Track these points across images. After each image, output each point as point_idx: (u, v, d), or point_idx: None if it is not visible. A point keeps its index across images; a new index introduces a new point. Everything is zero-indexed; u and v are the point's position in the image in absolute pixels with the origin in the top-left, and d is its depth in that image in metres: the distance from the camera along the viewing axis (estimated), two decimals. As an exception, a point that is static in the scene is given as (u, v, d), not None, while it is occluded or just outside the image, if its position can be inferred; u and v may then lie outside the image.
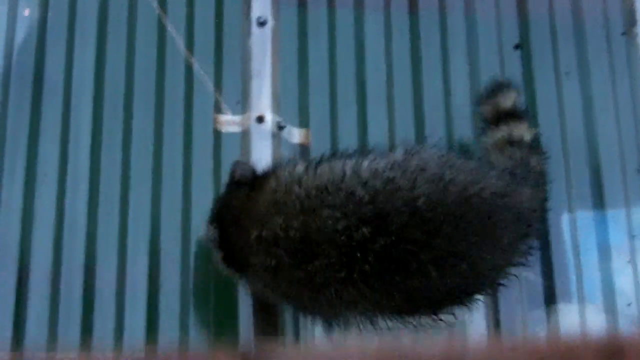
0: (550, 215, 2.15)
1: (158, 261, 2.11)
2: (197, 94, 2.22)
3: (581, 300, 2.13)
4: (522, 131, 2.11)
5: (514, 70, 2.29)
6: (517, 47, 2.32)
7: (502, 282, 1.95)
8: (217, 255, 1.97)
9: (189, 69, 2.23)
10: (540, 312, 2.12)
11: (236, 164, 2.02)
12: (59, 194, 2.15)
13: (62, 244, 2.12)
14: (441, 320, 1.91)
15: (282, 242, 1.80)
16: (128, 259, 2.11)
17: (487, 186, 1.85)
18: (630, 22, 2.35)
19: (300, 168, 1.88)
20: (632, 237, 2.19)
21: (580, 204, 2.20)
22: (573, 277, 2.14)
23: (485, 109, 2.17)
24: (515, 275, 1.96)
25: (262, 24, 2.25)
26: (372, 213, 1.76)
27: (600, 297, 2.13)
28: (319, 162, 1.90)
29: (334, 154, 1.98)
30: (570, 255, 2.16)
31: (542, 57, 2.32)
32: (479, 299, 1.96)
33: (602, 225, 2.19)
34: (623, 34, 2.35)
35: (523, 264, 1.97)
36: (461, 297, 1.89)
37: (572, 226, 2.18)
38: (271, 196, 1.86)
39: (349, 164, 1.84)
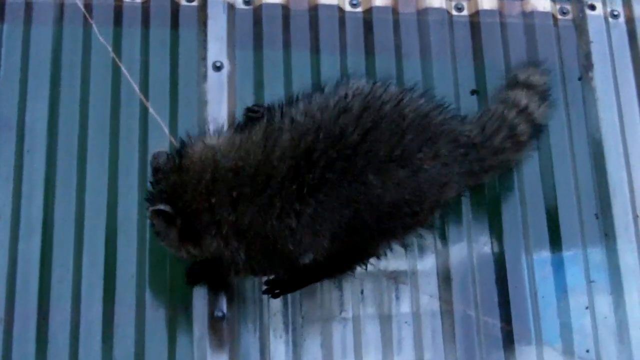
0: (508, 258, 2.16)
1: (112, 306, 2.09)
2: (152, 138, 2.22)
3: (539, 343, 2.11)
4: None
5: (471, 116, 2.30)
6: (473, 92, 2.33)
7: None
8: (172, 233, 1.97)
9: (144, 113, 2.23)
10: (499, 355, 2.10)
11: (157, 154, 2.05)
12: (12, 238, 2.12)
13: (15, 289, 2.08)
14: None
15: (241, 172, 1.89)
16: (82, 304, 2.08)
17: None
18: (586, 67, 2.37)
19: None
20: (589, 282, 2.18)
21: (537, 248, 2.19)
22: (531, 320, 2.13)
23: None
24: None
25: (218, 68, 2.25)
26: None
27: (559, 340, 2.12)
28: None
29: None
30: (528, 297, 2.15)
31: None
32: None
33: (560, 268, 2.18)
34: (579, 79, 2.36)
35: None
36: None
37: (529, 269, 2.17)
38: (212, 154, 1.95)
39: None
